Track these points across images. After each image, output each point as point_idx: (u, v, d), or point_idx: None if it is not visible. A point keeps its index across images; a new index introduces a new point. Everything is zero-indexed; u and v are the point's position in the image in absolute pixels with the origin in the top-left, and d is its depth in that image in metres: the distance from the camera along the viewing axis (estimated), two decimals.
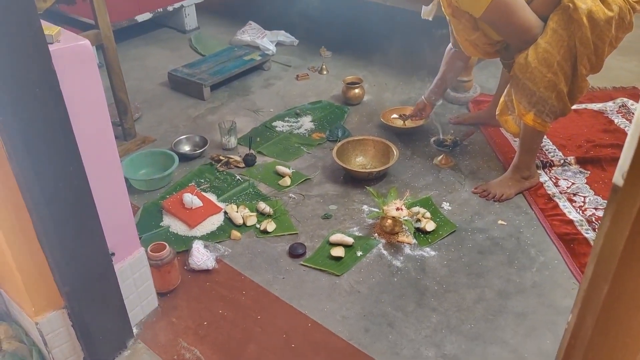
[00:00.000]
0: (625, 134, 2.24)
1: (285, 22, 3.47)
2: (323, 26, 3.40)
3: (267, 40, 3.22)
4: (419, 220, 1.84)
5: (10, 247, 1.17)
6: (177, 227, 1.88)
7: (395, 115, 2.42)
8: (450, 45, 2.17)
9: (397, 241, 1.79)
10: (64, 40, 1.15)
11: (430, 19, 2.07)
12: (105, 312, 1.37)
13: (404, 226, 1.80)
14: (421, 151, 2.25)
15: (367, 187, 1.96)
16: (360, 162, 2.18)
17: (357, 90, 2.61)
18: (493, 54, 1.94)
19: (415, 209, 1.88)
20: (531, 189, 1.98)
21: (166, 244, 1.60)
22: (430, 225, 1.82)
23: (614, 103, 2.48)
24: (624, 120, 2.35)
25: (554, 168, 2.08)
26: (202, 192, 2.01)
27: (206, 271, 1.70)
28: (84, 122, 1.18)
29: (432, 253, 1.75)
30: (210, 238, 1.83)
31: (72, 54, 1.14)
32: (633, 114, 2.37)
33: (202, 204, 1.93)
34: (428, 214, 1.87)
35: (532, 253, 1.73)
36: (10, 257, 1.18)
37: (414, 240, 1.79)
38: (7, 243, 1.16)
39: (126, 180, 2.02)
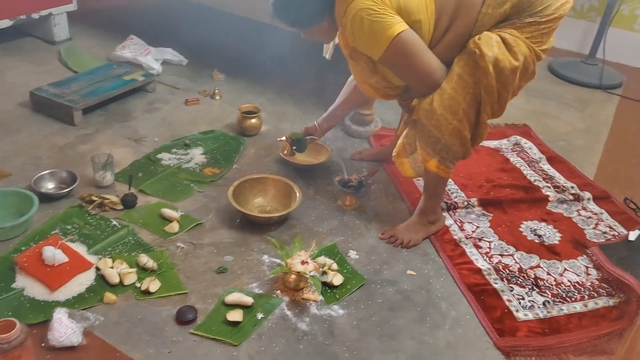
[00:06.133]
0: (521, 173, 2.28)
1: (172, 38, 3.17)
2: (215, 45, 3.16)
3: (151, 57, 2.90)
4: (325, 273, 1.67)
5: None
6: (35, 289, 1.53)
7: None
8: (352, 76, 2.04)
9: (302, 299, 1.60)
10: None
11: (329, 57, 1.94)
12: None
13: (309, 281, 1.62)
14: (324, 190, 2.10)
15: (268, 237, 1.75)
16: (259, 204, 1.96)
17: (253, 121, 2.40)
18: (394, 97, 1.85)
19: (321, 259, 1.71)
20: (437, 234, 1.90)
21: (16, 321, 1.26)
22: (337, 279, 1.65)
23: (508, 141, 2.52)
24: (519, 159, 2.39)
25: (458, 210, 2.03)
26: (68, 244, 1.66)
27: (70, 348, 1.38)
28: None
29: (341, 312, 1.58)
30: (77, 303, 1.51)
31: None
32: (527, 152, 2.43)
33: (67, 260, 1.59)
34: (335, 265, 1.71)
35: (443, 307, 1.63)
36: None
37: (321, 297, 1.61)
38: None
39: None
